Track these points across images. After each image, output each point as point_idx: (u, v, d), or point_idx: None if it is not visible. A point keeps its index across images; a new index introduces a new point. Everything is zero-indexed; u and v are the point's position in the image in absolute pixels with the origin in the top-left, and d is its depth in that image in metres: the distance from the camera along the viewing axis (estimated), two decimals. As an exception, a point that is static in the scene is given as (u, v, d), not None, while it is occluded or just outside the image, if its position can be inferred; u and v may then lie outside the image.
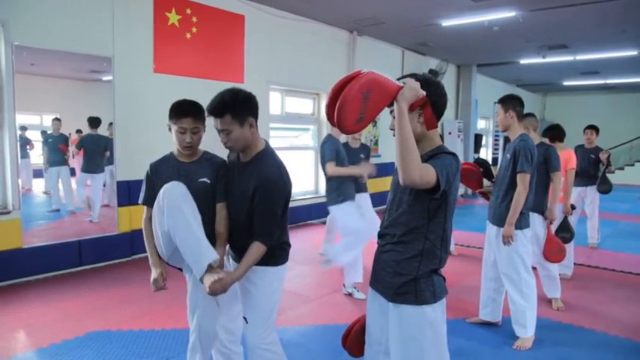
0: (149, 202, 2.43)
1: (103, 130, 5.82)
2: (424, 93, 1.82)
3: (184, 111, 2.35)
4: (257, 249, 2.26)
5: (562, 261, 4.36)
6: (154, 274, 2.39)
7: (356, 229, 4.45)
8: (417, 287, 1.89)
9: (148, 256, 2.45)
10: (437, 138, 1.96)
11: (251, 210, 2.30)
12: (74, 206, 6.00)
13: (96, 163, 5.89)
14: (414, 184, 1.72)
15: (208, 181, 2.41)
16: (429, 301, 1.89)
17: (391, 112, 1.87)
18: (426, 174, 1.72)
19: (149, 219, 2.44)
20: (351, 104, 1.68)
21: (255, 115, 2.32)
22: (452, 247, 6.19)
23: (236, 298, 2.52)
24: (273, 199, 2.30)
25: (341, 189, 4.46)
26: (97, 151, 5.86)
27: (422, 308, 1.88)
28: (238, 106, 2.24)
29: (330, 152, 4.42)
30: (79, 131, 5.85)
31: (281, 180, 2.32)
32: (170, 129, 2.42)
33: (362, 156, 5.33)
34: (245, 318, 2.39)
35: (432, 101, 1.89)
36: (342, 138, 4.73)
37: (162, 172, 2.45)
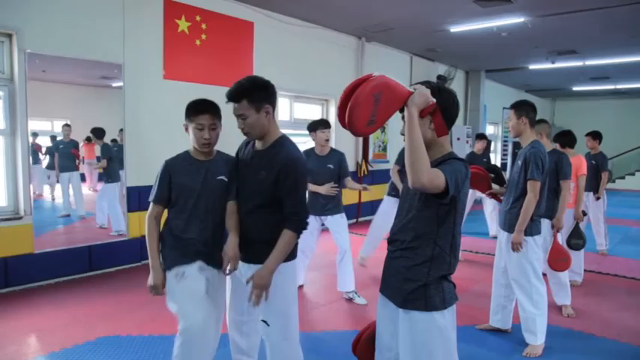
0: (160, 200, 2.46)
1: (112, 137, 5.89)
2: (434, 100, 1.83)
3: (202, 108, 2.42)
4: (289, 237, 2.30)
5: (566, 270, 4.32)
6: (154, 279, 2.39)
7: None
8: (426, 293, 1.89)
9: (149, 256, 2.44)
10: (447, 144, 1.97)
11: (268, 195, 2.32)
12: (85, 211, 6.04)
13: (117, 171, 5.93)
14: (424, 187, 1.73)
15: (225, 179, 2.49)
16: (439, 308, 1.89)
17: (403, 117, 1.88)
18: (436, 178, 1.74)
19: (155, 217, 2.47)
20: (362, 106, 1.71)
21: (273, 103, 2.36)
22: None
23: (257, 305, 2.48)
24: (298, 178, 2.33)
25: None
26: (117, 160, 5.91)
27: (431, 314, 1.88)
28: (255, 93, 2.29)
29: None
30: (88, 139, 5.90)
31: (303, 160, 2.39)
32: (187, 129, 2.47)
33: None
34: (265, 321, 2.37)
35: (443, 108, 1.90)
36: (326, 150, 4.59)
37: (180, 169, 2.47)
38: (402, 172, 5.02)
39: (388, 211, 5.16)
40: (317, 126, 4.52)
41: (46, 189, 5.93)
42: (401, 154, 5.10)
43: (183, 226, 2.44)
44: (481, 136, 7.57)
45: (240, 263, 2.45)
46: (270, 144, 2.38)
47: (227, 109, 2.42)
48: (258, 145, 2.43)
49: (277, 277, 2.34)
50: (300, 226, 2.34)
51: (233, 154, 2.61)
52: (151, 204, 2.48)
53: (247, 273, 2.41)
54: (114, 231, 5.77)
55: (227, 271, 2.41)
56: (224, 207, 2.50)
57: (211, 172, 2.47)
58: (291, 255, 2.43)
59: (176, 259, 2.42)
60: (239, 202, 2.48)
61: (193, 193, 2.44)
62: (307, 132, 4.64)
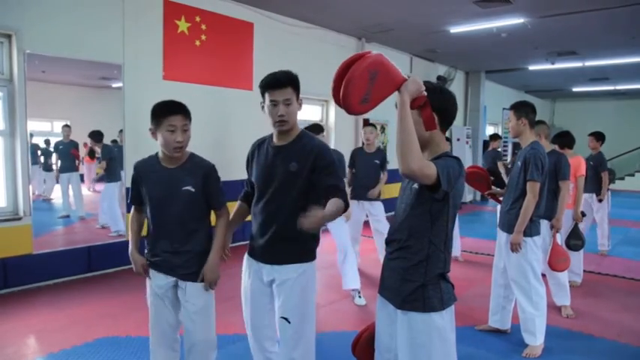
0: (135, 201, 2.54)
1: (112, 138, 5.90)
2: (425, 93, 1.83)
3: (173, 109, 2.33)
4: (341, 204, 2.24)
5: (565, 270, 4.33)
6: (134, 267, 2.50)
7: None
8: (424, 294, 1.88)
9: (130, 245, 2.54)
10: (443, 145, 1.97)
11: (300, 187, 2.33)
12: (84, 212, 6.05)
13: (117, 172, 5.94)
14: (413, 174, 1.71)
15: (192, 190, 2.38)
16: (437, 309, 1.88)
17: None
18: (426, 167, 1.73)
19: (137, 213, 2.56)
20: (357, 81, 1.69)
21: None
22: (458, 254, 6.21)
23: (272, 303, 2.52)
24: (334, 161, 2.39)
25: None
26: (117, 160, 5.91)
27: (429, 316, 1.88)
28: (297, 82, 2.37)
29: None
30: (91, 154, 5.93)
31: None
32: (153, 134, 2.37)
33: (376, 161, 5.26)
34: (286, 318, 2.37)
35: (444, 108, 1.91)
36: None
37: (148, 176, 2.45)
38: (354, 175, 5.32)
39: (355, 213, 5.23)
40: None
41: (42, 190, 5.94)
42: (352, 155, 5.40)
43: (152, 238, 2.49)
44: (496, 137, 8.77)
45: (261, 265, 2.46)
46: (294, 138, 2.40)
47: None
48: (279, 141, 2.41)
49: (301, 276, 2.37)
50: (346, 199, 2.33)
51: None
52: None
53: (271, 275, 2.42)
54: (113, 231, 5.77)
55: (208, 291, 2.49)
56: (194, 216, 2.43)
57: (176, 181, 2.38)
58: (313, 255, 2.45)
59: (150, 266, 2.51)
60: (259, 204, 2.45)
61: (154, 201, 2.41)
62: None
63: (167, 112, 2.30)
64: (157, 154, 2.47)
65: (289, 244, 2.36)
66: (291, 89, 2.31)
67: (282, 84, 2.28)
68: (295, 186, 2.33)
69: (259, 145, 2.54)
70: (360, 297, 4.58)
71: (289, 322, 2.36)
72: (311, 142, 2.39)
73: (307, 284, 2.41)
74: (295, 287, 2.36)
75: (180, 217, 2.39)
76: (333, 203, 2.22)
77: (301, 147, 2.36)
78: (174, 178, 2.38)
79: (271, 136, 2.46)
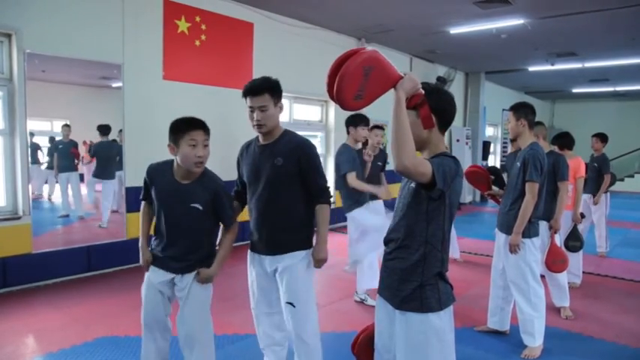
0: (146, 198, 2.60)
1: (112, 137, 5.90)
2: (422, 91, 1.83)
3: (195, 124, 2.38)
4: (326, 211, 2.59)
5: (564, 271, 4.33)
6: (141, 259, 2.54)
7: (374, 227, 4.44)
8: (422, 294, 1.88)
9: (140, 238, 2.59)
10: (441, 145, 1.97)
11: (286, 180, 2.53)
12: (84, 212, 6.04)
13: (107, 169, 5.94)
14: (407, 171, 1.71)
15: (200, 208, 2.42)
16: (435, 309, 1.88)
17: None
18: (421, 165, 1.73)
19: (147, 206, 2.61)
20: (351, 77, 1.69)
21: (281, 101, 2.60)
22: (457, 255, 6.20)
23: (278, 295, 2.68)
24: (318, 160, 2.60)
25: (355, 196, 4.41)
26: (109, 158, 5.92)
27: (427, 316, 1.88)
28: (275, 88, 2.50)
29: (348, 163, 4.33)
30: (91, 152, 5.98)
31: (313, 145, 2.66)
32: (172, 149, 2.38)
33: (379, 163, 5.20)
34: (291, 303, 2.54)
35: (442, 109, 1.91)
36: (359, 145, 4.62)
37: (158, 184, 2.48)
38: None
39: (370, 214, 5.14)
40: (359, 122, 4.46)
41: (45, 189, 5.94)
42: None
43: (156, 239, 2.55)
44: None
45: (263, 257, 2.64)
46: (278, 137, 2.58)
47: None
48: (264, 140, 2.59)
49: (301, 262, 2.56)
50: (330, 197, 2.61)
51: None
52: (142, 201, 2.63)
53: (273, 265, 2.59)
54: (103, 221, 5.88)
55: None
56: (199, 232, 2.47)
57: (186, 197, 2.41)
58: (310, 243, 2.65)
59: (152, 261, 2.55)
60: (252, 200, 2.61)
61: (160, 210, 2.46)
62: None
63: (188, 127, 2.35)
64: (172, 162, 2.47)
65: (285, 234, 2.56)
66: (269, 95, 2.45)
67: (258, 91, 2.44)
68: (282, 179, 2.52)
69: (247, 146, 2.72)
70: (370, 297, 4.55)
71: (294, 307, 2.54)
72: (294, 139, 2.58)
73: (307, 270, 2.60)
74: (296, 273, 2.55)
75: (185, 231, 2.45)
76: (322, 220, 2.56)
77: (285, 143, 2.55)
78: (184, 193, 2.42)
79: (257, 137, 2.65)
